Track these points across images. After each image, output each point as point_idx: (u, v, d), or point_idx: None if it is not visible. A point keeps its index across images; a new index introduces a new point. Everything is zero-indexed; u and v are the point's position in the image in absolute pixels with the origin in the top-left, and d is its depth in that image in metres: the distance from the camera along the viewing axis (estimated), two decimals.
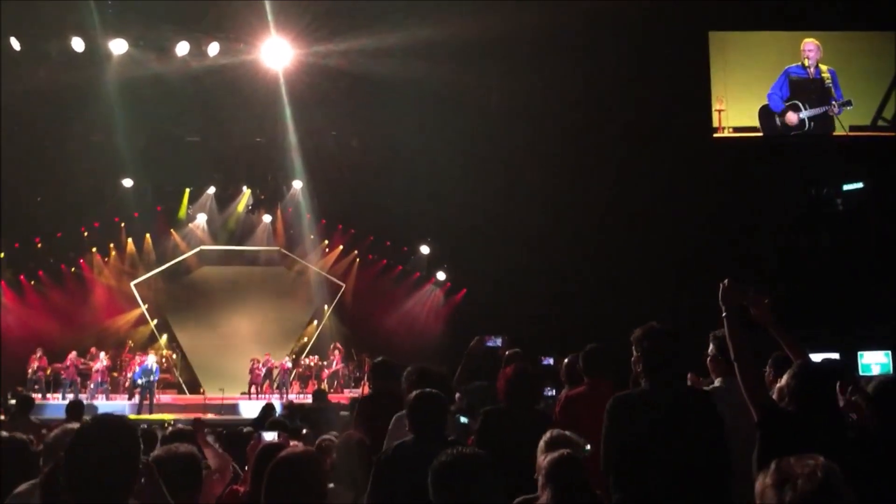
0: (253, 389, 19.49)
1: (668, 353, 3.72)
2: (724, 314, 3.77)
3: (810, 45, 16.67)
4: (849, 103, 16.35)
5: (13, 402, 12.46)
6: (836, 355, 11.51)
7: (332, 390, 19.79)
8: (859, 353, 13.98)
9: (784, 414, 3.40)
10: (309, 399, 15.54)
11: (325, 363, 20.82)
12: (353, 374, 20.72)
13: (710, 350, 4.48)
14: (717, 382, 4.44)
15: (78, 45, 15.04)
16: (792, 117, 16.48)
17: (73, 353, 18.55)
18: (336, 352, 20.79)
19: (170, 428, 5.82)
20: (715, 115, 16.60)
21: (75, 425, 3.83)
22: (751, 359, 3.63)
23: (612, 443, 3.61)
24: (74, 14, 14.54)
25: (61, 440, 3.60)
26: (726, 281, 3.76)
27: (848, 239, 15.87)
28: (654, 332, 3.77)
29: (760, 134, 16.55)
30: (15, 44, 14.75)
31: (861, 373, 12.56)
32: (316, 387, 17.99)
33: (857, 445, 3.24)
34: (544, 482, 3.35)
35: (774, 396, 3.59)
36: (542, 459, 3.42)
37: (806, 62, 16.64)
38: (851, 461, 2.50)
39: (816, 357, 4.78)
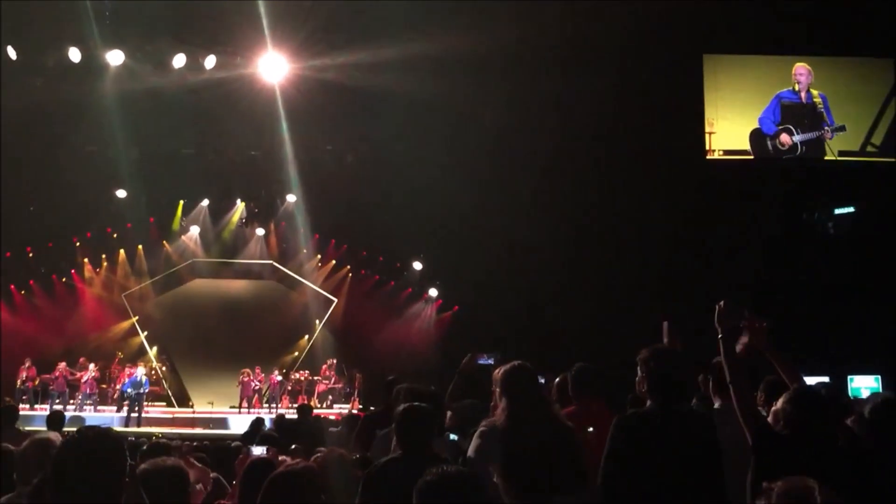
0: (244, 403, 19.37)
1: (674, 375, 3.72)
2: (719, 336, 3.78)
3: (801, 69, 16.79)
4: (842, 128, 16.46)
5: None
6: (826, 379, 11.52)
7: (323, 405, 19.73)
8: (849, 377, 14.00)
9: (779, 437, 3.41)
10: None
11: (319, 378, 20.72)
12: (343, 389, 20.63)
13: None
14: (716, 404, 4.46)
15: (75, 55, 15.05)
16: (785, 138, 16.58)
17: (63, 364, 18.42)
18: (329, 368, 20.71)
19: (146, 443, 5.75)
20: (706, 138, 16.70)
21: (49, 435, 3.82)
22: (745, 382, 3.64)
23: (614, 462, 3.60)
24: (72, 25, 14.56)
25: (34, 450, 3.58)
26: (721, 303, 3.77)
27: (838, 263, 15.92)
28: (661, 353, 3.77)
29: (752, 157, 16.65)
30: (12, 53, 14.76)
31: (851, 396, 12.57)
32: (305, 401, 17.88)
33: (851, 467, 3.25)
34: (500, 391, 3.73)
35: (769, 419, 3.60)
36: (498, 372, 3.78)
37: (796, 87, 16.76)
38: (846, 483, 2.50)
39: (808, 381, 4.80)
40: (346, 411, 16.82)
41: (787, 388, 3.74)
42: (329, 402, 20.19)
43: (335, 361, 20.82)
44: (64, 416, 8.72)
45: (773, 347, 3.99)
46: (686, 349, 4.38)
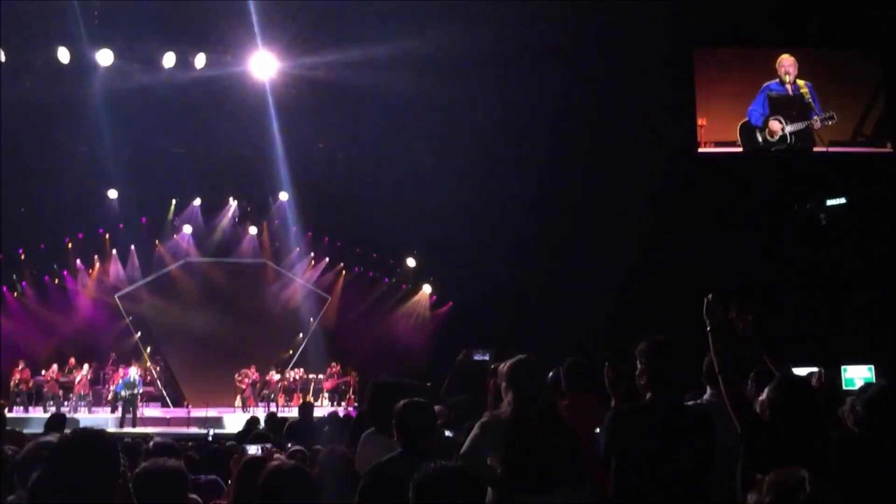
0: (242, 403, 19.41)
1: (673, 367, 3.71)
2: (707, 329, 3.80)
3: (787, 60, 16.83)
4: (832, 118, 16.50)
5: None
6: (815, 369, 11.53)
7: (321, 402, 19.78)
8: (843, 367, 14.05)
9: (766, 426, 3.43)
10: (292, 412, 15.47)
11: (320, 376, 20.75)
12: (337, 387, 20.66)
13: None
14: (707, 395, 4.47)
15: (64, 56, 14.97)
16: (775, 125, 16.59)
17: (55, 366, 18.39)
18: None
19: (152, 442, 5.73)
20: (697, 132, 16.72)
21: (49, 438, 3.81)
22: (734, 373, 3.66)
23: (610, 455, 3.63)
24: (61, 25, 14.47)
25: (33, 453, 3.56)
26: (710, 296, 3.79)
27: (831, 254, 15.97)
28: (660, 346, 3.74)
29: (741, 149, 16.67)
30: (0, 54, 14.67)
31: (845, 387, 12.62)
32: (301, 400, 17.89)
33: (839, 454, 3.27)
34: (506, 386, 3.76)
35: (758, 410, 3.62)
36: (502, 367, 3.82)
37: (787, 78, 16.79)
38: (835, 470, 2.52)
39: (802, 371, 4.83)
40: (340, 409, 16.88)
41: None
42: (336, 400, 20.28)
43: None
44: (65, 419, 8.66)
45: (760, 338, 4.00)
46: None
